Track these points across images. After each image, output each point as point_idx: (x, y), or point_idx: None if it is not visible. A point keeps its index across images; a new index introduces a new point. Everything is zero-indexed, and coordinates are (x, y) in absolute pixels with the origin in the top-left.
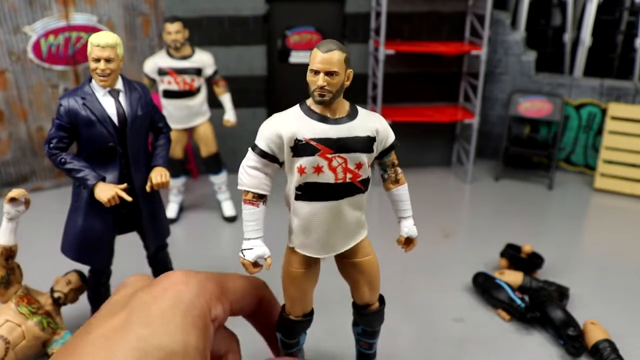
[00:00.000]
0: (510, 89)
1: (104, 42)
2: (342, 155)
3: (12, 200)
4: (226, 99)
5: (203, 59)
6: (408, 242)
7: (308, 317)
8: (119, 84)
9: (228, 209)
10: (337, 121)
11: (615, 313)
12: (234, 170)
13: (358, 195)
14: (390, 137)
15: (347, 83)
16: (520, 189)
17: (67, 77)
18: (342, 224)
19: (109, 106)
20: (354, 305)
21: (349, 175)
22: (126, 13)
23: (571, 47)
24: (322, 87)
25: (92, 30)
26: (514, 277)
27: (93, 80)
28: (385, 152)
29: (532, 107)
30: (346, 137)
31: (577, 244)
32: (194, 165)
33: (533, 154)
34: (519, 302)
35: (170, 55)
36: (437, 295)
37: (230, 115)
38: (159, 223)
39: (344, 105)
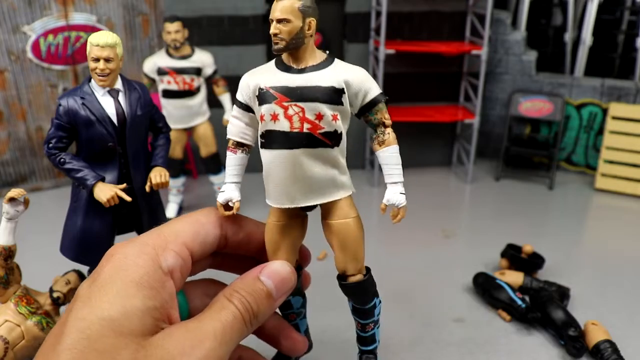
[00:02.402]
0: (511, 89)
1: (103, 41)
2: (299, 104)
3: (11, 200)
4: (226, 98)
5: (203, 59)
6: (395, 211)
7: None
8: (119, 84)
9: None
10: (300, 71)
11: (616, 313)
12: None
13: (322, 149)
14: (372, 91)
15: (309, 32)
16: (520, 189)
17: (66, 76)
18: (301, 175)
19: (109, 106)
20: (338, 276)
21: (306, 125)
22: (126, 13)
23: (572, 47)
24: (274, 35)
25: (92, 29)
26: (515, 278)
27: (92, 80)
28: (367, 108)
29: (532, 106)
30: (304, 86)
31: (578, 244)
32: (194, 165)
33: (534, 154)
34: (519, 302)
35: (169, 55)
36: (437, 295)
37: (229, 115)
38: (158, 223)
39: (315, 57)
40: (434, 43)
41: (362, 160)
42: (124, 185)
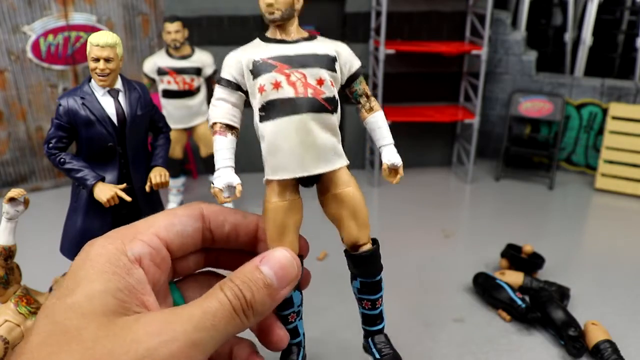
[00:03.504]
0: (511, 89)
1: (103, 41)
2: (300, 70)
3: (11, 200)
4: None
5: (202, 59)
6: (394, 172)
7: None
8: (119, 84)
9: (227, 204)
10: (294, 42)
11: (616, 313)
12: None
13: (325, 114)
14: (355, 62)
15: (298, 6)
16: (520, 189)
17: (66, 76)
18: (311, 141)
19: (109, 106)
20: (346, 251)
21: (309, 90)
22: (126, 12)
23: (572, 47)
24: (269, 5)
25: (92, 29)
26: (515, 278)
27: (92, 80)
28: (352, 78)
29: (532, 106)
30: (303, 54)
31: (578, 244)
32: (194, 165)
33: (534, 154)
34: (519, 302)
35: (169, 54)
36: (437, 295)
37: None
38: None
39: (302, 31)
40: (434, 43)
41: (362, 160)
42: (124, 185)
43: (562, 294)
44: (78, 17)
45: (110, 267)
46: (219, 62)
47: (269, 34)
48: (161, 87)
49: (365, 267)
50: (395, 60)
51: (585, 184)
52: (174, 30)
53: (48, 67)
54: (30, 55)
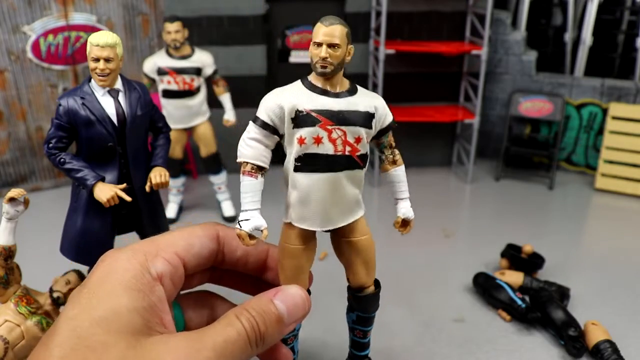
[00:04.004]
0: (511, 89)
1: (103, 41)
2: (342, 127)
3: (11, 200)
4: (226, 98)
5: (203, 59)
6: (405, 224)
7: None
8: (119, 84)
9: (228, 209)
10: (337, 95)
11: (616, 313)
12: (233, 170)
13: (357, 171)
14: (389, 116)
15: (348, 59)
16: (520, 189)
17: (66, 76)
18: (340, 198)
19: (109, 106)
20: (349, 288)
21: (347, 149)
22: (126, 12)
23: (572, 47)
24: (324, 59)
25: (92, 29)
26: (515, 278)
27: (92, 80)
28: (383, 131)
29: (532, 106)
30: (346, 110)
31: (578, 244)
32: (194, 165)
33: (534, 154)
34: (519, 302)
35: (169, 54)
36: (437, 295)
37: (230, 115)
38: (158, 223)
39: (345, 82)
40: (434, 43)
41: None
42: (124, 185)
43: (562, 294)
44: (78, 17)
45: (136, 283)
46: (219, 62)
47: (312, 80)
48: (161, 87)
49: (366, 305)
50: (395, 60)
51: (585, 184)
52: (174, 30)
53: (48, 67)
54: (30, 55)
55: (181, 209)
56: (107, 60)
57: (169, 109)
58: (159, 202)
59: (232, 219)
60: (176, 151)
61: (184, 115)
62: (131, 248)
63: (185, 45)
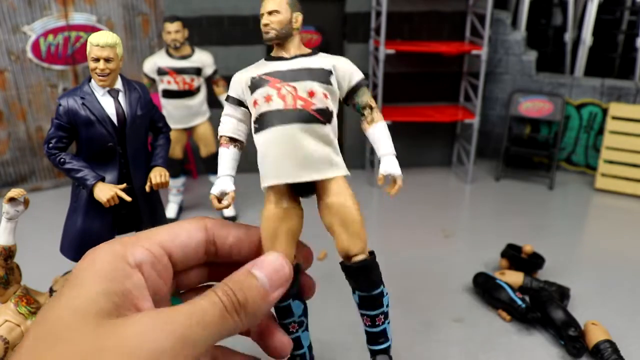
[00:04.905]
0: (511, 89)
1: (103, 41)
2: (291, 84)
3: (11, 200)
4: None
5: (202, 59)
6: (393, 184)
7: None
8: (119, 84)
9: (228, 209)
10: (292, 58)
11: (616, 313)
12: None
13: (316, 125)
14: (356, 74)
15: (296, 25)
16: (520, 189)
17: (66, 76)
18: (296, 151)
19: (109, 106)
20: (341, 262)
21: (300, 103)
22: (126, 13)
23: (572, 47)
24: (265, 25)
25: (92, 29)
26: (515, 278)
27: (92, 80)
28: (353, 91)
29: (532, 106)
30: (297, 68)
31: (578, 244)
32: (194, 165)
33: (534, 154)
34: (519, 302)
35: (169, 54)
36: (437, 295)
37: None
38: (158, 223)
39: (302, 49)
40: (434, 43)
41: (362, 160)
42: (124, 185)
43: (562, 294)
44: (78, 17)
45: (110, 271)
46: (219, 62)
47: (272, 53)
48: (161, 87)
49: (358, 278)
50: (395, 60)
51: (585, 184)
52: (174, 30)
53: (48, 67)
54: (30, 55)
55: (181, 209)
56: (107, 60)
57: (169, 109)
58: (159, 202)
59: (232, 219)
60: (176, 151)
61: (184, 115)
62: (112, 241)
63: (185, 45)
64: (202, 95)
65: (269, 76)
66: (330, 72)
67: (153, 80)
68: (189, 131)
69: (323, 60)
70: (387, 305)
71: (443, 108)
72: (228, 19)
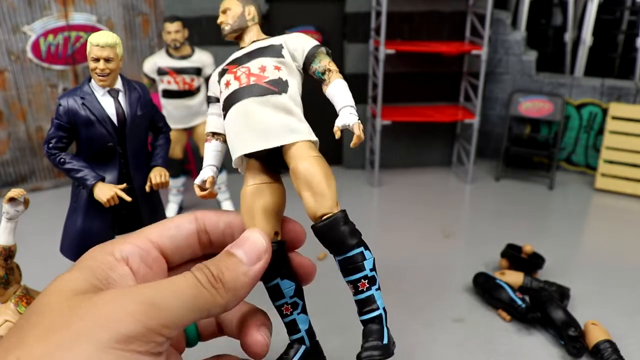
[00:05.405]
0: (511, 89)
1: (103, 41)
2: (245, 65)
3: (11, 200)
4: None
5: (202, 59)
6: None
7: None
8: (119, 84)
9: (226, 203)
10: (249, 46)
11: (616, 313)
12: (233, 170)
13: (270, 96)
14: (308, 44)
15: (250, 17)
16: (520, 189)
17: (66, 76)
18: (252, 122)
19: (109, 106)
20: (311, 226)
21: (252, 79)
22: (126, 13)
23: (572, 47)
24: (220, 23)
25: (92, 29)
26: (515, 278)
27: (92, 80)
28: (310, 59)
29: (532, 106)
30: (249, 51)
31: (578, 244)
32: (194, 165)
33: (534, 154)
34: (519, 302)
35: (169, 54)
36: (437, 295)
37: None
38: None
39: (261, 36)
40: (434, 43)
41: (362, 160)
42: (124, 185)
43: (562, 294)
44: (78, 17)
45: (94, 262)
46: (218, 62)
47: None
48: (161, 87)
49: (327, 238)
50: (395, 60)
51: (585, 184)
52: (174, 30)
53: (48, 67)
54: (30, 55)
55: (181, 209)
56: (107, 60)
57: (169, 109)
58: (159, 202)
59: None
60: (176, 151)
61: (184, 115)
62: (105, 242)
63: (185, 45)
64: (202, 95)
65: (229, 65)
66: (281, 46)
67: (153, 80)
68: (189, 131)
69: (274, 39)
70: (373, 270)
71: (443, 108)
72: None
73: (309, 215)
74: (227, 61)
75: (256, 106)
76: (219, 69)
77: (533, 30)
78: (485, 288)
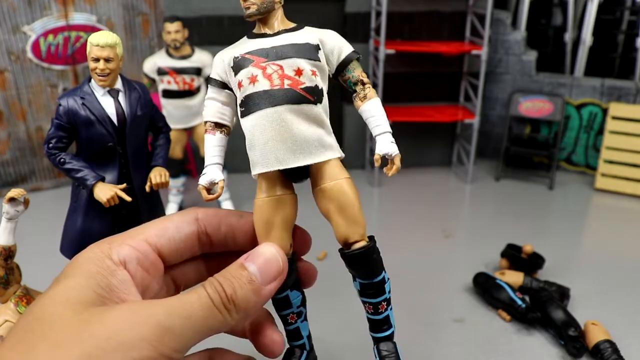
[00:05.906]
0: (511, 89)
1: (103, 41)
2: (277, 62)
3: (11, 200)
4: None
5: (202, 59)
6: (389, 163)
7: None
8: (119, 84)
9: (226, 203)
10: (275, 34)
11: (616, 313)
12: (233, 170)
13: (305, 105)
14: (345, 48)
15: None
16: (520, 189)
17: (66, 76)
18: (287, 134)
19: (109, 106)
20: (340, 250)
21: (287, 82)
22: (126, 13)
23: (572, 47)
24: (245, 1)
25: (92, 29)
26: (515, 278)
27: (92, 80)
28: (344, 65)
29: (532, 106)
30: (281, 45)
31: (578, 244)
32: (194, 165)
33: (534, 154)
34: (519, 302)
35: (169, 54)
36: (437, 295)
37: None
38: None
39: (287, 24)
40: (434, 43)
41: (362, 160)
42: (124, 185)
43: (562, 294)
44: (78, 17)
45: (94, 267)
46: None
47: (255, 30)
48: (161, 87)
49: (359, 266)
50: (395, 60)
51: (585, 184)
52: (174, 30)
53: (48, 67)
54: (30, 55)
55: (181, 209)
56: (107, 60)
57: (169, 109)
58: (159, 202)
59: None
60: (176, 151)
61: (183, 115)
62: (101, 240)
63: (185, 45)
64: (202, 95)
65: (253, 55)
66: (317, 47)
67: (153, 80)
68: (189, 131)
69: (309, 35)
70: (389, 292)
71: (443, 108)
72: (228, 19)
73: (338, 239)
74: (248, 48)
75: (291, 116)
76: (235, 53)
77: (533, 30)
78: (485, 288)
